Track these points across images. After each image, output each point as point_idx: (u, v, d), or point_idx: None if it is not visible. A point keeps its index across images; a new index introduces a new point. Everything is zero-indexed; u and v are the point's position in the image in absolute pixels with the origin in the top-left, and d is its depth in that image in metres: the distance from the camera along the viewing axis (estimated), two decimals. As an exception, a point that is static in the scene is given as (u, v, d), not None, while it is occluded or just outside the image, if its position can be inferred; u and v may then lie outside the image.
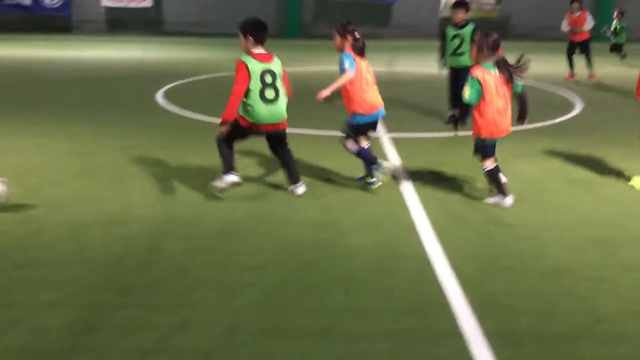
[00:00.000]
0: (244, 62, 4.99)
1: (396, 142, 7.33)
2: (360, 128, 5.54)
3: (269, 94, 5.03)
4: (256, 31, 5.09)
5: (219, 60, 16.20)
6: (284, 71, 5.22)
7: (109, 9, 24.95)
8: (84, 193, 5.40)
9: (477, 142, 5.21)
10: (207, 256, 4.17)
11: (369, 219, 4.88)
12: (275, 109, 5.08)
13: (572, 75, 13.01)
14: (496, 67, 5.08)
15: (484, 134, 5.11)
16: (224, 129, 5.05)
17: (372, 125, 5.65)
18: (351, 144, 5.52)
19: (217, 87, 11.33)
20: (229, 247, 4.33)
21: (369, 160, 5.52)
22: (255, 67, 4.99)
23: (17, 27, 23.96)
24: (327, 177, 5.90)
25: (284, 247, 4.34)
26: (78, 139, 7.34)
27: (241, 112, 5.06)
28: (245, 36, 5.09)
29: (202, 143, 7.00)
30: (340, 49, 5.46)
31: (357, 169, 5.79)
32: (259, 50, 5.09)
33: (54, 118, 8.52)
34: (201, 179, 5.67)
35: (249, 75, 4.95)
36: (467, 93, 5.04)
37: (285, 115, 5.18)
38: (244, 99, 5.00)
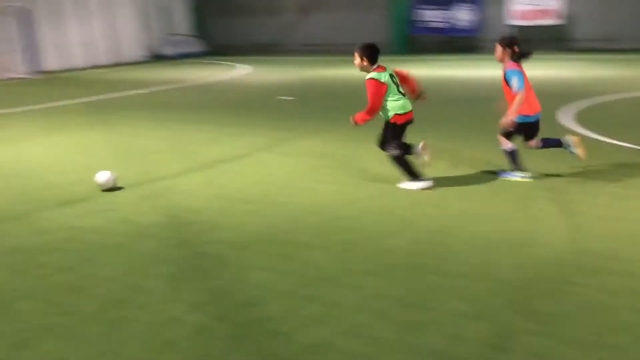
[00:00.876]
0: (374, 78, 6.12)
1: None
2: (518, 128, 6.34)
3: (401, 89, 6.26)
4: (372, 53, 6.19)
5: (633, 77, 14.87)
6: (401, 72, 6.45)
7: (517, 28, 25.27)
8: (489, 210, 5.60)
9: None
10: (624, 297, 3.87)
11: None
12: (408, 101, 6.32)
13: None
14: None
15: None
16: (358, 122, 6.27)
17: (531, 127, 6.38)
18: (505, 142, 6.50)
19: (634, 108, 10.42)
20: (648, 291, 3.94)
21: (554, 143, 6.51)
22: (382, 77, 6.13)
23: (432, 48, 26.32)
24: None
25: None
26: (472, 158, 7.65)
27: (395, 112, 6.18)
28: (362, 58, 6.19)
29: (620, 170, 6.53)
30: (502, 61, 6.33)
31: None
32: (376, 65, 6.22)
33: (458, 136, 9.06)
34: (616, 211, 5.28)
35: (384, 85, 6.10)
36: None
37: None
38: (392, 100, 6.16)
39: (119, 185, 6.86)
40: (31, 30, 23.38)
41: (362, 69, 6.25)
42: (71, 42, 26.63)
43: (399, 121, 6.21)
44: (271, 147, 8.83)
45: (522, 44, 6.21)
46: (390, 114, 6.19)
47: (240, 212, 5.88)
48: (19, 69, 23.50)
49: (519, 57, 6.24)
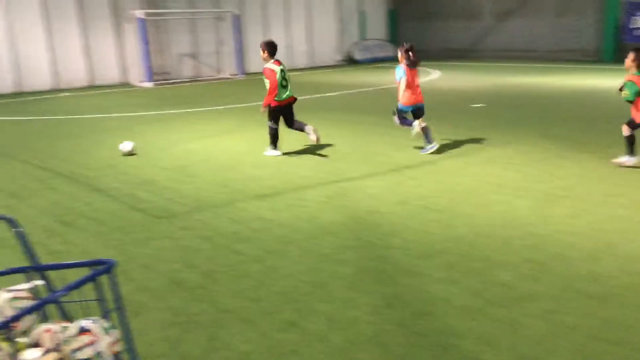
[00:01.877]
0: (271, 68, 8.38)
1: None
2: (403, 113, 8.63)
3: (284, 83, 8.46)
4: (271, 49, 8.46)
5: None
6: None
7: None
8: None
9: None
10: None
11: None
12: (289, 91, 8.54)
13: None
14: None
15: None
16: (264, 110, 8.59)
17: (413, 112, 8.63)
18: (396, 119, 8.65)
19: None
20: None
21: (407, 124, 8.61)
22: (276, 68, 8.35)
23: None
24: None
25: None
26: None
27: (275, 99, 8.42)
28: (264, 52, 8.45)
29: None
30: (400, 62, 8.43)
31: None
32: (273, 59, 8.49)
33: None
34: None
35: (276, 74, 8.31)
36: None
37: (292, 93, 8.66)
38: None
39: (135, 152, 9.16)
40: (240, 34, 25.36)
41: (264, 60, 8.48)
42: (274, 46, 28.44)
43: (273, 104, 8.42)
44: (459, 155, 8.59)
45: (417, 53, 8.33)
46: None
47: (424, 220, 5.78)
48: (228, 70, 25.68)
49: (412, 62, 8.32)
